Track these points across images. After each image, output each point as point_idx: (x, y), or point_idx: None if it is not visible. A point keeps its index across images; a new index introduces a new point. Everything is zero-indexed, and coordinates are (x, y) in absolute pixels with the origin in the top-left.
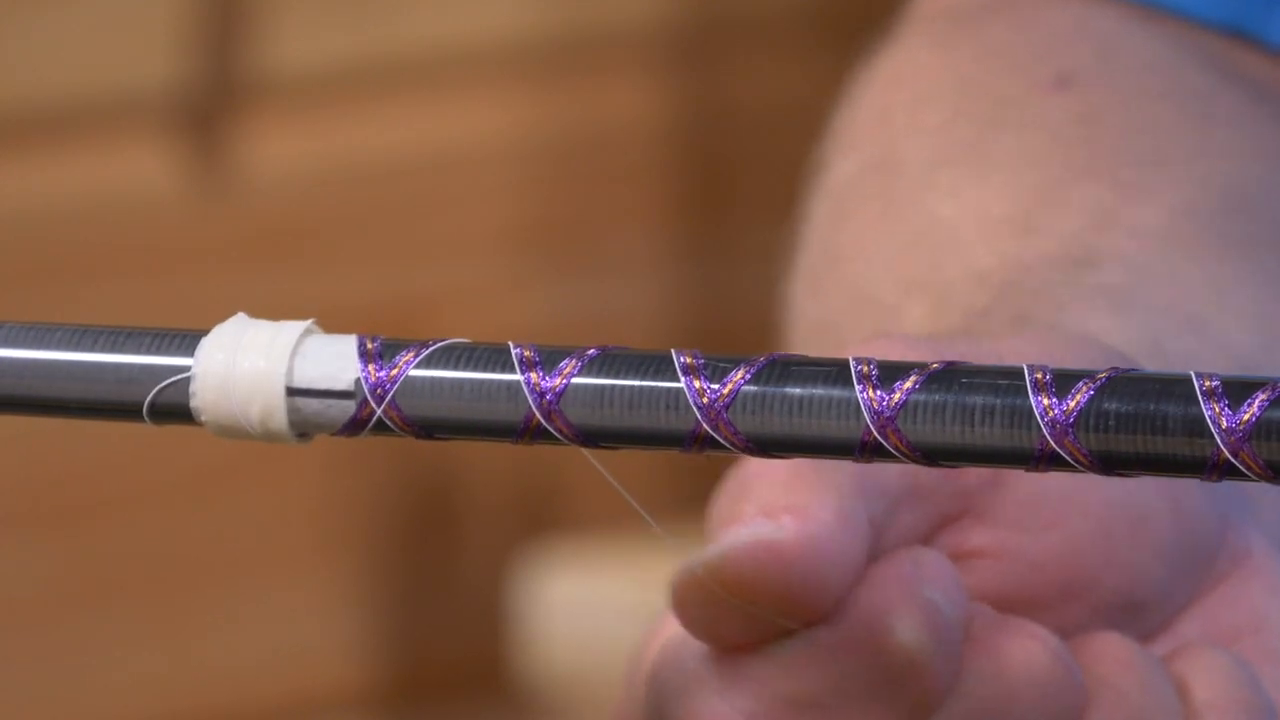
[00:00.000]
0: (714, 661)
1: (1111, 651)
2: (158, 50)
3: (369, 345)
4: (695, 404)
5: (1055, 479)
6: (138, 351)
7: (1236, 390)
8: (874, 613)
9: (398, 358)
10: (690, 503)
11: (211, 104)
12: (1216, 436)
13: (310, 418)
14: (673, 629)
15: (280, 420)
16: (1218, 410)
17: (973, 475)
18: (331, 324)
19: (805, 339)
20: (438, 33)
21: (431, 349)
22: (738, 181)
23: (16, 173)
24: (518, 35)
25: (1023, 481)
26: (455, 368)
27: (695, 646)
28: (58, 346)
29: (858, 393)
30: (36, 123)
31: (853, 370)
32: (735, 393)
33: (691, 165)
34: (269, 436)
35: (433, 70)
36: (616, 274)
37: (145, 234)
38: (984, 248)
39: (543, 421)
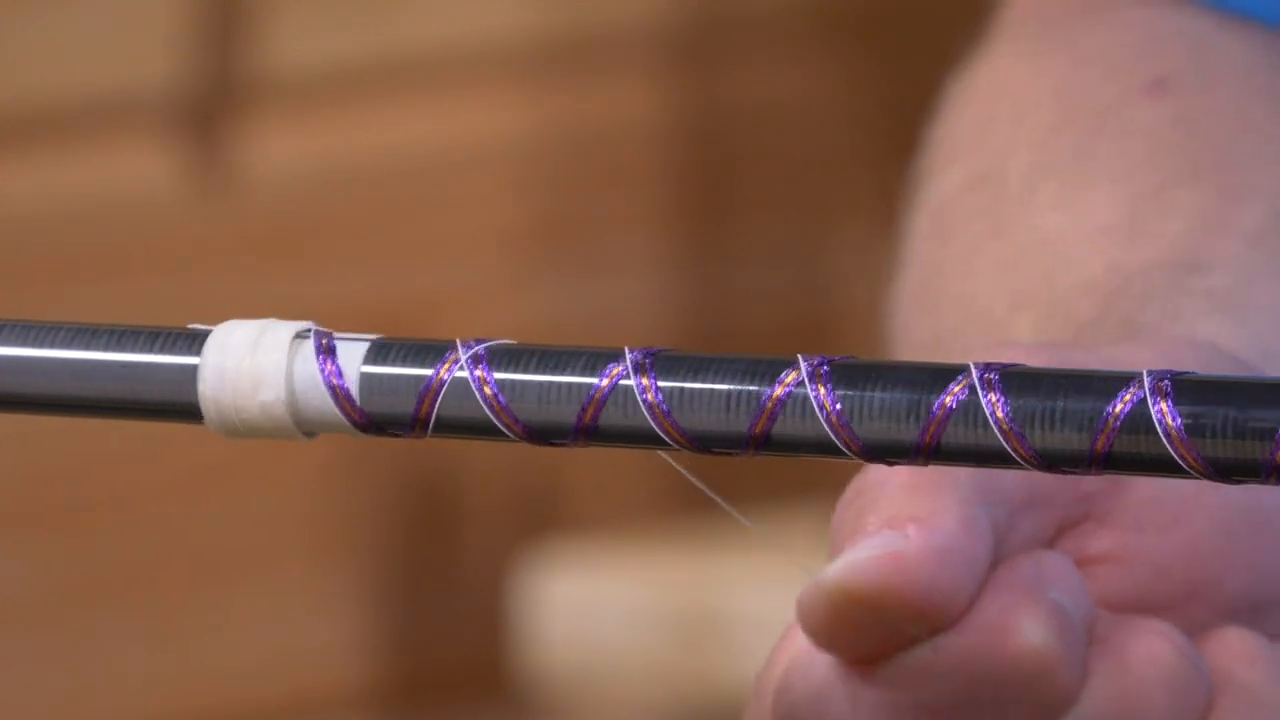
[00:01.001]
0: (843, 673)
1: (1237, 647)
2: (158, 50)
3: (372, 345)
4: (818, 410)
5: (1174, 481)
6: (142, 350)
7: None
8: (1000, 617)
9: (402, 358)
10: (691, 502)
11: (211, 104)
12: None
13: (315, 415)
14: (799, 643)
15: (286, 418)
16: None
17: (1092, 480)
18: (331, 324)
19: (915, 354)
20: (438, 33)
21: (445, 350)
22: (738, 181)
23: (17, 173)
24: (518, 35)
25: (1142, 484)
26: (460, 369)
27: (823, 659)
28: (60, 345)
29: (981, 399)
30: (37, 123)
31: (975, 376)
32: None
33: (691, 165)
34: (275, 434)
35: (433, 70)
36: (616, 274)
37: (145, 234)
38: (1090, 257)
39: (494, 421)
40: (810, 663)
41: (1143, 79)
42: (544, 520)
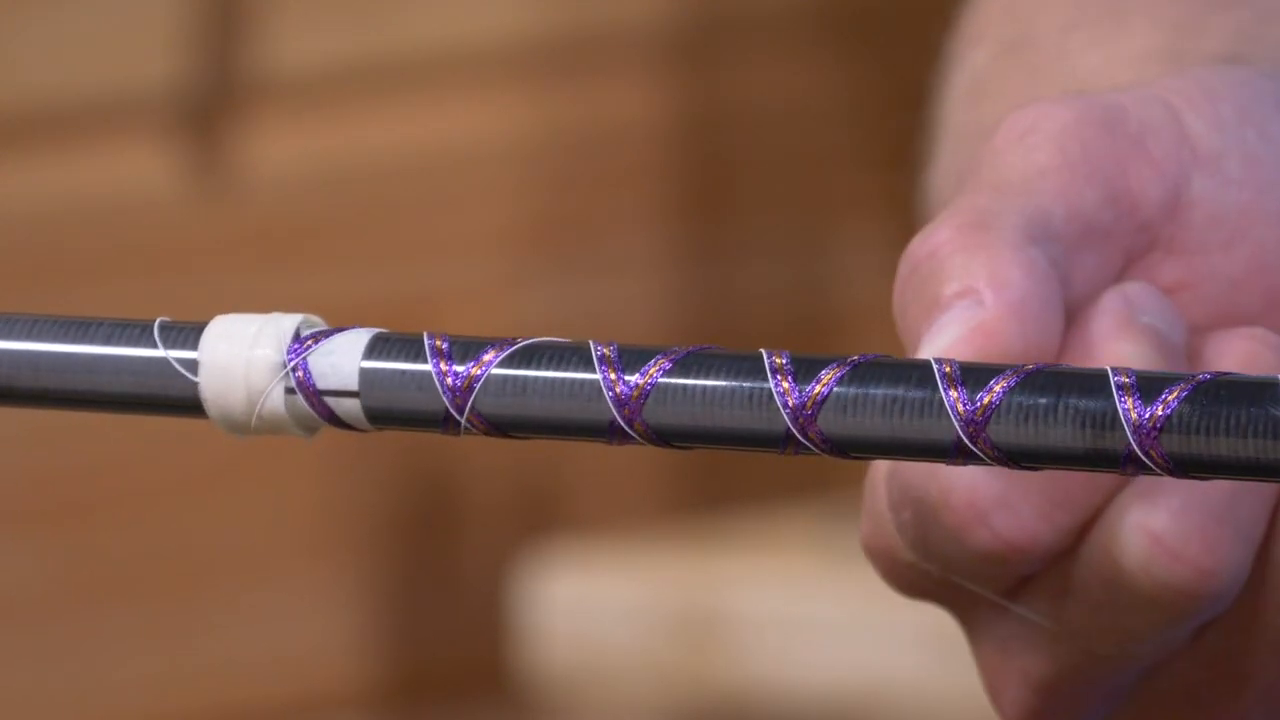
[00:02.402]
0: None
1: None
2: (158, 50)
3: (372, 338)
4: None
5: (1229, 194)
6: (142, 344)
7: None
8: (1099, 344)
9: (402, 353)
10: (689, 503)
11: (211, 104)
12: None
13: (313, 411)
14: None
15: (285, 415)
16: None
17: (1151, 207)
18: (331, 323)
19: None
20: (438, 33)
21: (447, 343)
22: (738, 181)
23: (16, 173)
24: (518, 35)
25: (1201, 204)
26: (464, 363)
27: None
28: (60, 339)
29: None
30: (37, 123)
31: (936, 371)
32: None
33: (692, 165)
34: (275, 430)
35: (433, 70)
36: (616, 274)
37: (145, 234)
38: (1133, 79)
39: (463, 421)
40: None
41: None
42: (544, 520)
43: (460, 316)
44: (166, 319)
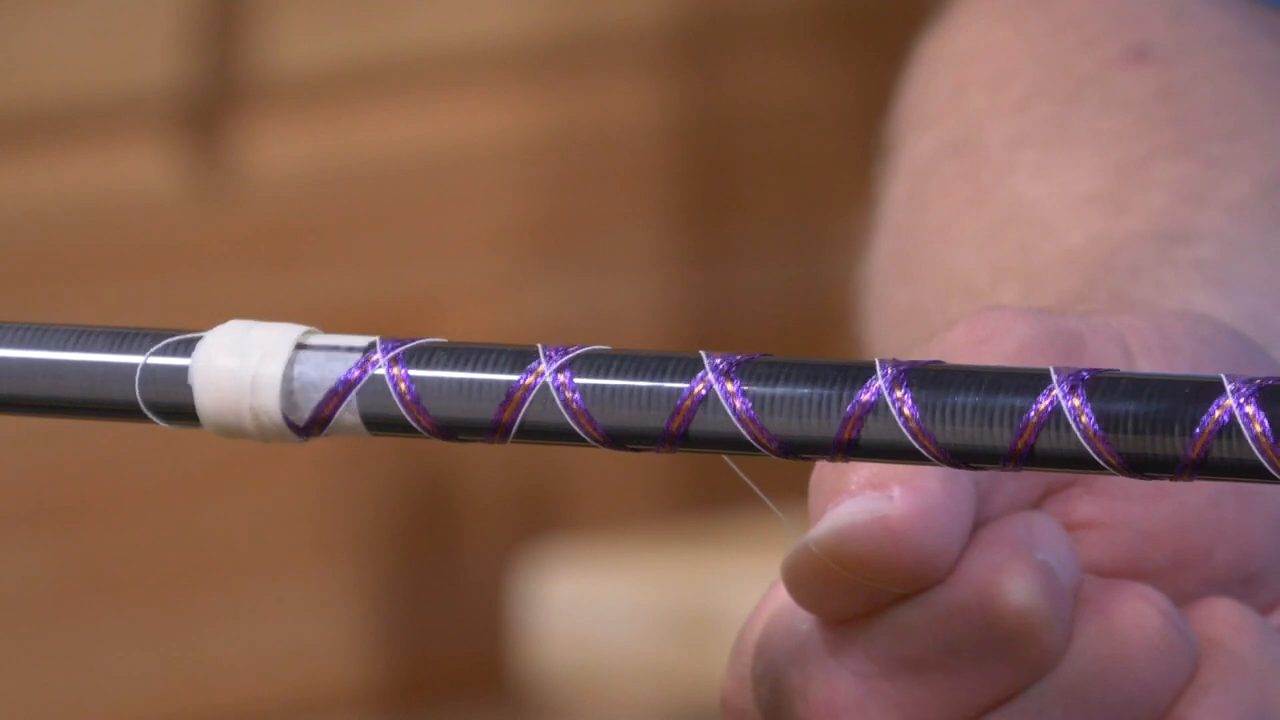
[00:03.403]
0: (825, 630)
1: (1223, 616)
2: (158, 50)
3: (372, 345)
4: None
5: None
6: (137, 351)
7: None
8: (986, 574)
9: (400, 358)
10: (691, 502)
11: (211, 104)
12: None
13: (309, 419)
14: (780, 600)
15: (281, 423)
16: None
17: None
18: (331, 324)
19: (893, 323)
20: (438, 33)
21: (437, 348)
22: (738, 181)
23: (16, 173)
24: (518, 35)
25: None
26: (458, 368)
27: (805, 616)
28: (57, 346)
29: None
30: (36, 123)
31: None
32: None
33: (692, 165)
34: (269, 436)
35: (433, 70)
36: (616, 274)
37: (145, 234)
38: (1074, 228)
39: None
40: (792, 620)
41: (1123, 46)
42: (544, 520)
43: (460, 317)
44: (163, 328)
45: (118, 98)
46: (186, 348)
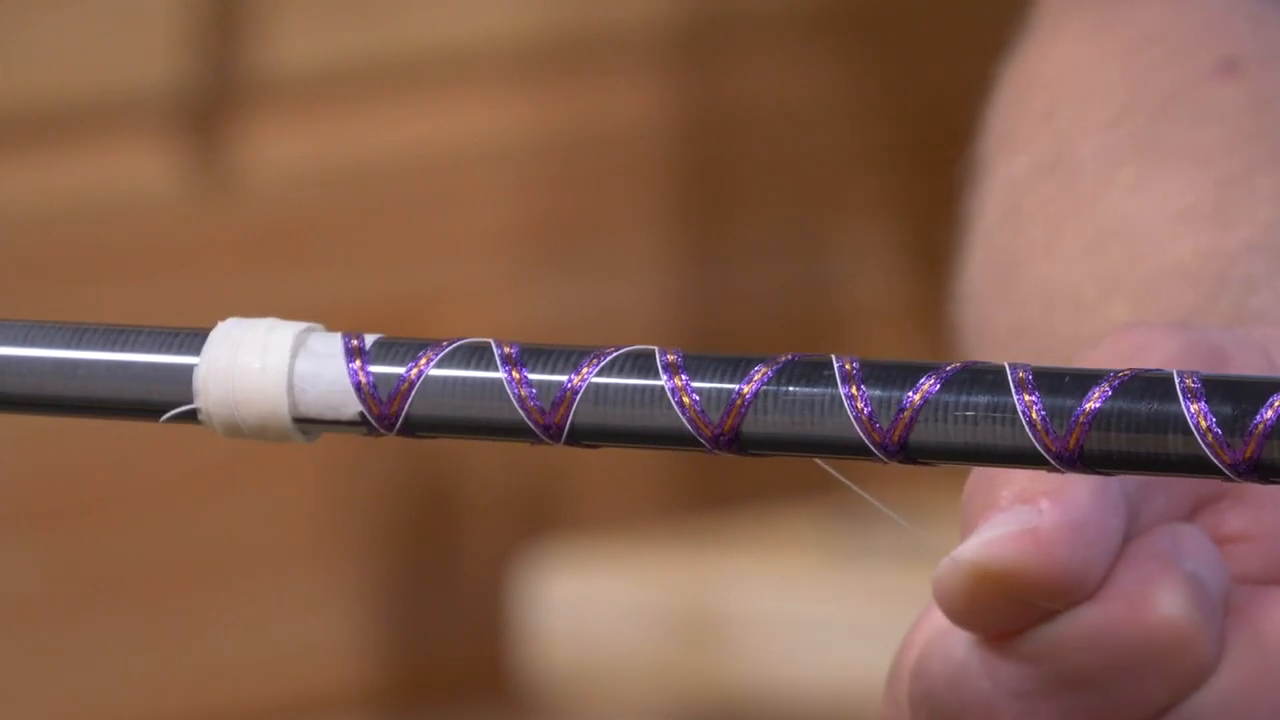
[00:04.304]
0: (980, 649)
1: None
2: (158, 50)
3: (374, 344)
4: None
5: None
6: (142, 350)
7: None
8: (1137, 588)
9: (404, 357)
10: (689, 503)
11: (211, 104)
12: None
13: (315, 417)
14: (936, 621)
15: (286, 420)
16: None
17: None
18: (331, 324)
19: (997, 346)
20: (438, 33)
21: (445, 349)
22: (738, 181)
23: (16, 173)
24: (518, 35)
25: None
26: (466, 367)
27: (960, 636)
28: (62, 345)
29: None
30: (37, 123)
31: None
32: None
33: (692, 165)
34: (275, 436)
35: (433, 70)
36: (616, 274)
37: (145, 234)
38: (1180, 241)
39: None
40: (948, 641)
41: (1211, 59)
42: (544, 520)
43: (460, 317)
44: (166, 326)
45: (118, 98)
46: (192, 346)
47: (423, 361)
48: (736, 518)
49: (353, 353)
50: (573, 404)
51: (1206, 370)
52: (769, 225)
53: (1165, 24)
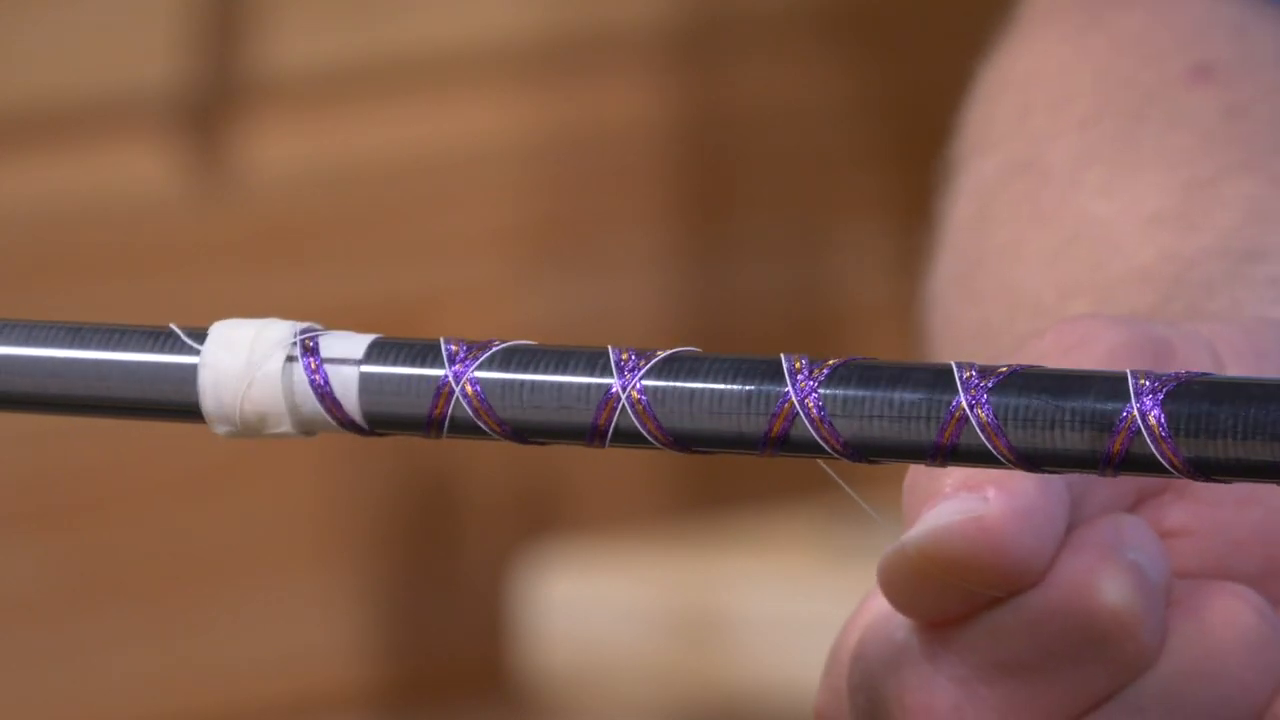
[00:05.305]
0: (922, 633)
1: None
2: (158, 50)
3: (370, 344)
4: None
5: None
6: (142, 349)
7: None
8: (1080, 576)
9: (404, 356)
10: (689, 503)
11: (211, 104)
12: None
13: (313, 414)
14: (878, 606)
15: (285, 416)
16: None
17: None
18: (332, 324)
19: (960, 341)
20: (438, 33)
21: (446, 350)
22: (737, 181)
23: (16, 173)
24: (518, 36)
25: None
26: (424, 366)
27: (901, 622)
28: (61, 345)
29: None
30: (36, 123)
31: (956, 375)
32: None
33: (691, 165)
34: (274, 433)
35: (433, 70)
36: (617, 274)
37: (145, 234)
38: (1144, 245)
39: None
40: (889, 626)
41: (1186, 65)
42: (544, 520)
43: (460, 317)
44: (173, 325)
45: (118, 98)
46: (192, 345)
47: (417, 363)
48: (736, 518)
49: (349, 352)
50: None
51: (1147, 362)
52: (769, 225)
53: (1143, 29)
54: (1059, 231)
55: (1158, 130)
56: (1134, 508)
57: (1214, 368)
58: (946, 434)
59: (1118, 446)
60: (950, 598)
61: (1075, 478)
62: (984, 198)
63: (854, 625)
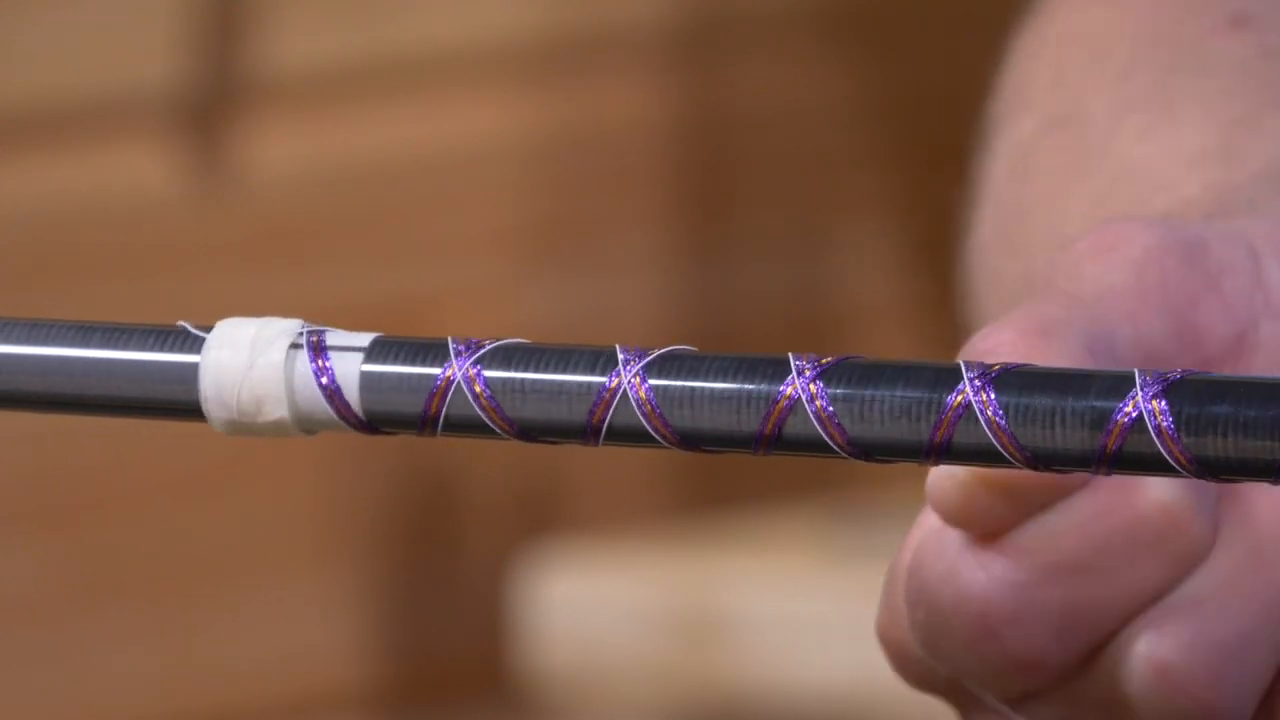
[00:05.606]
0: (975, 542)
1: None
2: (158, 50)
3: (371, 342)
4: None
5: None
6: (143, 348)
7: None
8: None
9: (406, 355)
10: (689, 503)
11: (211, 104)
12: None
13: (314, 413)
14: (929, 523)
15: (285, 415)
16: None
17: (1215, 344)
18: (332, 324)
19: (1005, 296)
20: (438, 33)
21: (449, 349)
22: (738, 181)
23: (16, 173)
24: (518, 35)
25: (1264, 348)
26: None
27: (953, 535)
28: (64, 343)
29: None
30: (36, 123)
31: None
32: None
33: (691, 165)
34: (275, 432)
35: (433, 70)
36: (617, 274)
37: (145, 234)
38: (1187, 180)
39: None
40: (941, 540)
41: (1223, 15)
42: (544, 520)
43: (460, 317)
44: (168, 324)
45: (118, 98)
46: (194, 344)
47: (417, 362)
48: (736, 518)
49: (350, 351)
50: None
51: (1181, 263)
52: (769, 225)
53: None
54: (1100, 177)
55: (1196, 77)
56: None
57: (1252, 264)
58: (940, 432)
59: (1111, 444)
60: (1000, 508)
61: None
62: (1023, 153)
63: (909, 542)
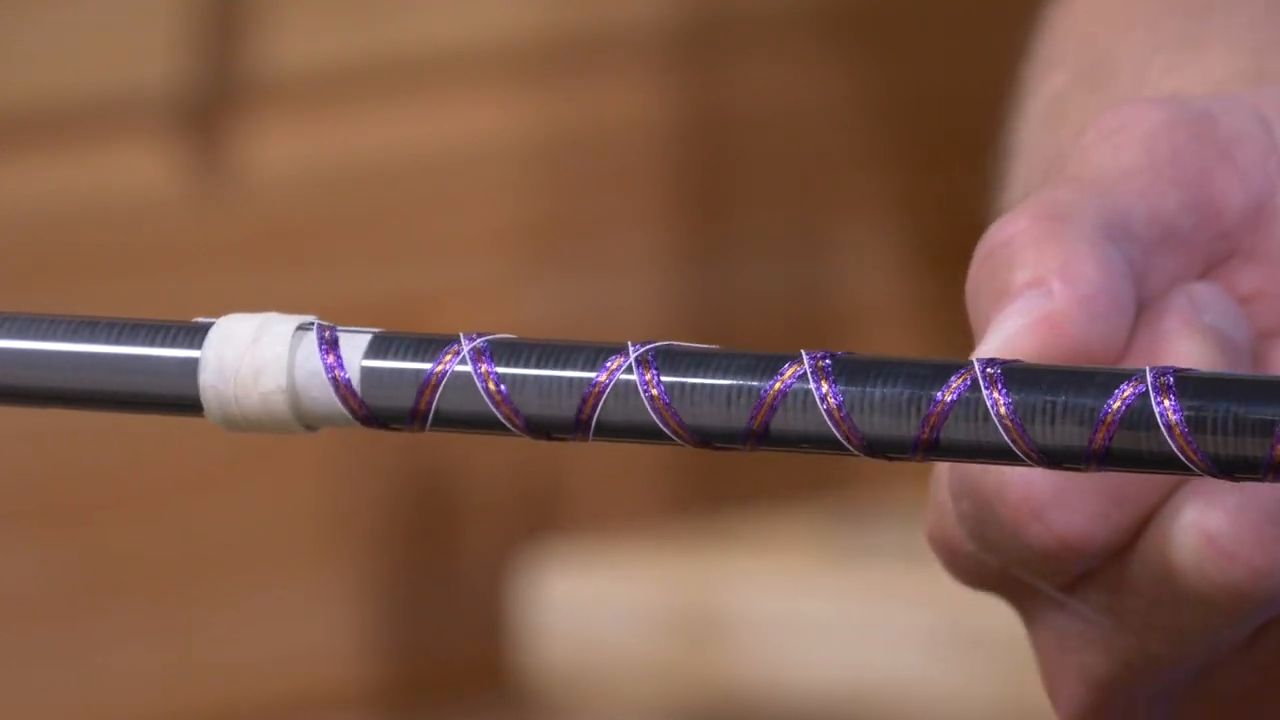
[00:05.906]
0: None
1: None
2: (158, 50)
3: (373, 339)
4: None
5: None
6: (144, 343)
7: None
8: (1159, 342)
9: (407, 352)
10: (689, 503)
11: (211, 104)
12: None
13: (316, 408)
14: None
15: (287, 411)
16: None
17: (1233, 215)
18: (333, 322)
19: None
20: (438, 33)
21: (452, 346)
22: (738, 181)
23: (16, 173)
24: (518, 35)
25: None
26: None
27: None
28: (64, 339)
29: (984, 395)
30: (37, 123)
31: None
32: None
33: (691, 165)
34: (276, 427)
35: (433, 70)
36: (617, 273)
37: (145, 234)
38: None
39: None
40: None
41: None
42: (544, 520)
43: (460, 317)
44: (169, 320)
45: (118, 98)
46: (194, 339)
47: (419, 356)
48: (736, 517)
49: (356, 343)
50: (598, 402)
51: (1191, 136)
52: (769, 225)
53: None
54: None
55: (1223, 17)
56: (1203, 275)
57: (1263, 132)
58: (927, 429)
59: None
60: None
61: (1136, 252)
62: (1056, 102)
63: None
